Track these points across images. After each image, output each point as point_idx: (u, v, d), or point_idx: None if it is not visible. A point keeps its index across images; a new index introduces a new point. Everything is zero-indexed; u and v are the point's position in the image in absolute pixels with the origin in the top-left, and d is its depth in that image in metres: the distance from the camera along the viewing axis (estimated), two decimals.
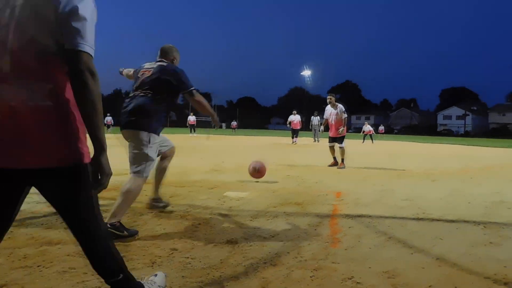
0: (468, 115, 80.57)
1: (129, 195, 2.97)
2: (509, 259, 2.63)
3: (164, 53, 3.39)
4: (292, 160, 9.77)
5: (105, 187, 1.38)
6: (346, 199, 4.63)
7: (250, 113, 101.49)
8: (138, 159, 3.07)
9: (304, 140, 22.40)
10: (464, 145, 24.35)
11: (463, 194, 5.22)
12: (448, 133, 73.56)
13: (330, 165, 8.44)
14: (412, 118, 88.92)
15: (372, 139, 23.81)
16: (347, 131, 8.82)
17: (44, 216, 3.38)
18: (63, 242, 2.68)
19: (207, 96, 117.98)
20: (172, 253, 2.56)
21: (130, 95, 3.26)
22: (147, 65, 3.35)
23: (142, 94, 3.12)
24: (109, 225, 2.66)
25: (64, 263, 2.31)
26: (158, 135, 3.21)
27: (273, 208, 4.02)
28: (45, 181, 1.35)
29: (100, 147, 1.32)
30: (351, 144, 20.90)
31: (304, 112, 51.23)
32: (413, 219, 3.76)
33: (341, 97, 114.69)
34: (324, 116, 8.84)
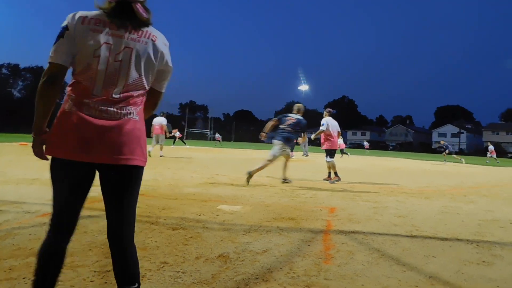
0: (463, 133, 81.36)
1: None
2: (502, 279, 2.61)
3: (298, 110, 7.83)
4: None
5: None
6: (339, 215, 4.61)
7: (247, 126, 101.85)
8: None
9: (296, 154, 22.42)
10: (459, 162, 24.48)
11: (456, 211, 5.22)
12: (443, 151, 73.91)
13: (330, 180, 8.46)
14: (407, 135, 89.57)
15: (342, 153, 24.31)
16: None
17: (32, 226, 3.32)
18: None
19: (203, 108, 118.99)
20: (162, 267, 2.52)
21: (282, 128, 7.50)
22: (291, 115, 7.66)
23: (288, 129, 7.40)
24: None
25: None
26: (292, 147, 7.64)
27: (267, 223, 3.99)
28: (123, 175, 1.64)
29: None
30: (345, 160, 20.95)
31: None
32: (406, 236, 3.74)
33: (338, 112, 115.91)
34: (328, 128, 8.48)
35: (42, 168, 7.09)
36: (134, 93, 1.63)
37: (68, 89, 1.58)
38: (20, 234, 3.08)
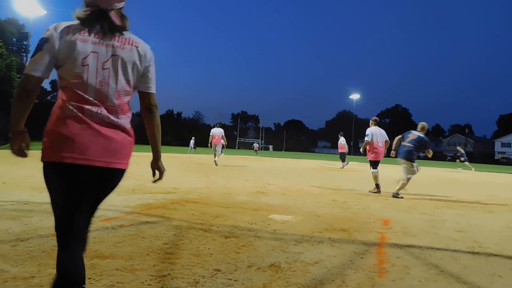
0: None
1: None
2: None
3: (422, 128, 7.84)
4: (337, 185, 9.55)
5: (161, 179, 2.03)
6: (394, 227, 4.43)
7: (298, 136, 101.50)
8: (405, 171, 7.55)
9: (350, 164, 21.88)
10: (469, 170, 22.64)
11: None
12: (507, 162, 68.42)
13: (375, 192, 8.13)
14: (467, 145, 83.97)
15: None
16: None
17: (96, 230, 3.55)
18: (112, 257, 2.79)
19: (254, 118, 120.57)
20: (215, 274, 2.57)
21: (403, 144, 7.71)
22: (414, 132, 7.77)
23: (411, 146, 7.54)
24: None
25: (113, 277, 2.40)
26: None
27: (318, 233, 3.93)
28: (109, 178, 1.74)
29: (159, 155, 2.00)
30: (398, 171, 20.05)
31: (350, 136, 50.19)
32: (468, 252, 3.50)
33: (390, 121, 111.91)
34: (372, 139, 8.31)
35: None
36: (125, 99, 1.73)
37: (61, 95, 1.65)
38: None
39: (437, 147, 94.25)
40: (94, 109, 1.63)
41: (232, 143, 32.32)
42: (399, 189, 7.49)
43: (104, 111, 1.65)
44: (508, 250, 3.64)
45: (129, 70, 1.72)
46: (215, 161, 15.19)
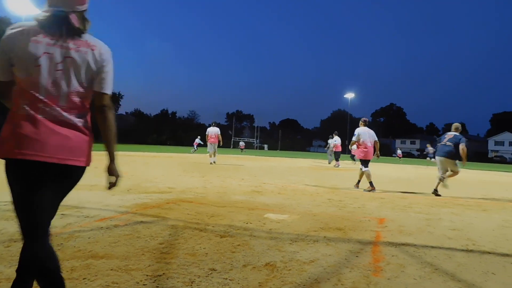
0: None
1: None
2: None
3: (456, 128, 8.22)
4: (332, 184, 9.58)
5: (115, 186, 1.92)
6: (389, 226, 4.44)
7: (293, 135, 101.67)
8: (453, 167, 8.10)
9: (343, 163, 21.96)
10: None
11: None
12: (501, 160, 69.02)
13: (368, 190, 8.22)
14: None
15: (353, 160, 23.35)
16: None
17: (91, 230, 3.53)
18: (107, 257, 2.78)
19: (250, 117, 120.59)
20: (211, 273, 2.57)
21: (443, 143, 8.13)
22: (449, 132, 8.24)
23: (449, 144, 7.95)
24: None
25: (108, 277, 2.39)
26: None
27: (314, 232, 3.94)
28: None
29: (113, 157, 1.89)
30: (396, 169, 20.19)
31: (345, 135, 50.40)
32: (462, 250, 3.53)
33: (385, 120, 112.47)
34: (360, 138, 8.57)
35: (101, 175, 7.54)
36: (78, 99, 1.74)
37: (15, 95, 1.68)
38: (81, 237, 3.29)
39: (432, 146, 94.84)
40: (47, 108, 1.66)
41: (227, 142, 32.02)
42: (445, 181, 8.12)
43: (57, 110, 1.68)
44: (501, 248, 3.67)
45: (83, 72, 1.74)
46: (213, 161, 15.28)
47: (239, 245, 3.30)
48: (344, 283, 2.51)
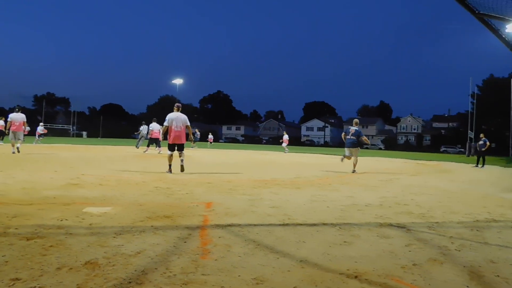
0: (327, 127, 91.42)
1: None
2: (359, 256, 2.99)
3: (355, 123, 11.63)
4: (159, 170, 9.42)
5: None
6: (216, 209, 4.65)
7: (117, 121, 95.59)
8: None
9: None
10: (325, 154, 27.42)
11: (323, 199, 5.79)
12: (311, 144, 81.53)
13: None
14: (279, 129, 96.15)
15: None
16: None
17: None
18: None
19: (65, 101, 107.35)
20: (13, 284, 2.14)
21: (348, 137, 11.36)
22: (351, 127, 11.40)
23: (353, 137, 11.27)
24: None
25: None
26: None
27: (140, 223, 3.77)
28: None
29: None
30: (224, 154, 21.38)
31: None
32: (280, 225, 3.98)
33: (213, 107, 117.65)
34: (169, 123, 9.02)
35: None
36: None
37: None
38: None
39: (255, 131, 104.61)
40: None
41: (35, 129, 27.57)
42: (355, 164, 11.35)
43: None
44: (310, 219, 4.30)
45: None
46: (16, 149, 13.19)
47: (51, 246, 2.87)
48: (173, 270, 2.48)
